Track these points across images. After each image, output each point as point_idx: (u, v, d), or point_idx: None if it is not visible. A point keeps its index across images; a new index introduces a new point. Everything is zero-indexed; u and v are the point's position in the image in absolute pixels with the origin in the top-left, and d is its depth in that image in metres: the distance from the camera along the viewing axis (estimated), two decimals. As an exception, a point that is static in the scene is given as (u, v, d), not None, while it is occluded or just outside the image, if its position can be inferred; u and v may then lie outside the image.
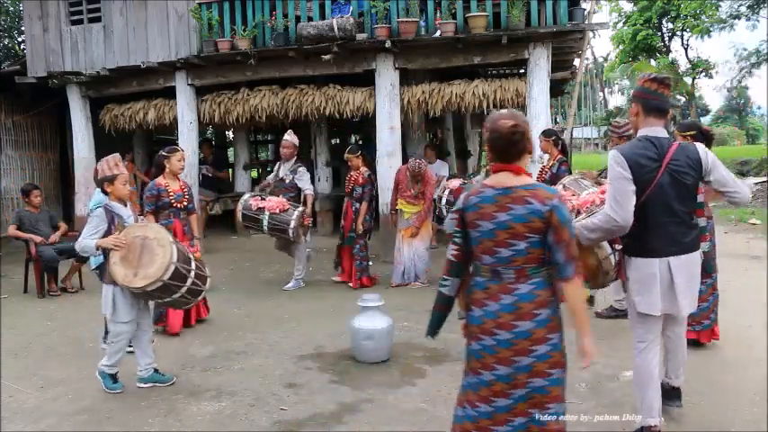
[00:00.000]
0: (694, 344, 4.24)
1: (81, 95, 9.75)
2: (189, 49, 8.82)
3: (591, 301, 5.38)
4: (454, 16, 7.87)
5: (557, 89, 11.72)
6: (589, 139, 41.77)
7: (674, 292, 2.93)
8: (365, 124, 12.01)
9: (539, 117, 7.80)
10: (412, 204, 6.77)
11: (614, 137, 5.07)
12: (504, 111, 2.44)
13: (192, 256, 4.16)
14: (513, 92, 8.04)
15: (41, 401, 3.96)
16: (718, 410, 3.47)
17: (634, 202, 2.86)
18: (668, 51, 23.52)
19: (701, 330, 4.38)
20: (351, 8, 8.32)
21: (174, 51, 8.89)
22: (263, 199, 6.58)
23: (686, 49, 23.43)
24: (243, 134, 11.58)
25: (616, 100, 35.30)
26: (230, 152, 14.82)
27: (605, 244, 3.11)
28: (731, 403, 3.55)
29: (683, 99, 19.96)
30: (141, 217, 5.05)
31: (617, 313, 5.26)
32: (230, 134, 14.72)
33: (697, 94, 27.78)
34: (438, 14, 8.06)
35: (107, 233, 3.88)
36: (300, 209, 6.63)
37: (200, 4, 8.74)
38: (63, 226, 7.41)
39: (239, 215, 6.64)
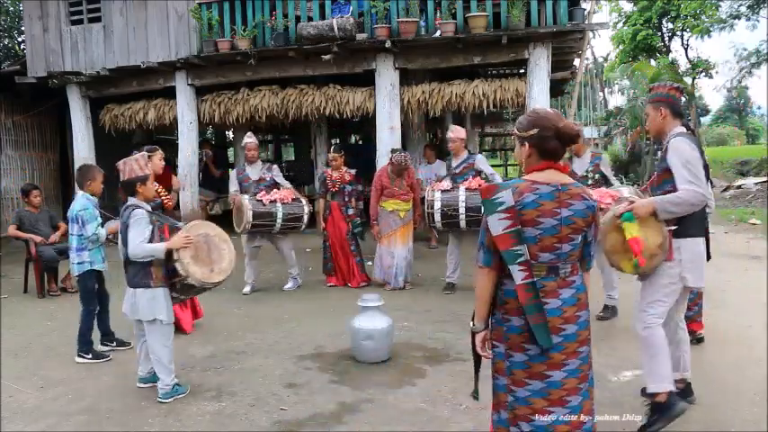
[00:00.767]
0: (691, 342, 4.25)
1: (81, 95, 9.76)
2: (189, 49, 8.82)
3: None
4: (454, 16, 7.87)
5: (557, 89, 11.74)
6: (589, 138, 41.72)
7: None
8: (365, 124, 12.02)
9: (539, 117, 7.79)
10: (406, 201, 6.70)
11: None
12: (549, 110, 2.44)
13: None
14: (513, 92, 8.04)
15: (41, 401, 3.96)
16: (717, 410, 3.47)
17: None
18: (668, 51, 23.52)
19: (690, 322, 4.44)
20: (351, 8, 8.32)
21: (174, 51, 8.90)
22: (268, 193, 6.55)
23: (686, 49, 23.45)
24: (243, 134, 11.57)
25: (616, 100, 35.29)
26: (230, 152, 14.84)
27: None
28: (731, 403, 3.54)
29: (683, 99, 20.00)
30: None
31: (612, 312, 5.35)
32: (230, 134, 14.72)
33: (697, 94, 27.81)
34: (438, 14, 8.06)
35: (151, 236, 3.79)
36: (304, 200, 6.72)
37: (200, 4, 8.74)
38: (63, 226, 7.39)
39: (248, 215, 6.22)
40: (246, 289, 6.73)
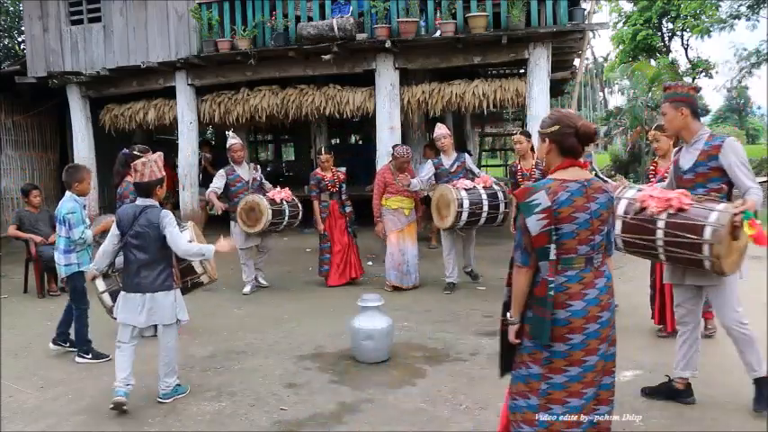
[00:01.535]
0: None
1: (81, 95, 9.76)
2: (189, 49, 8.82)
3: None
4: (454, 16, 7.87)
5: (557, 89, 11.73)
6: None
7: None
8: (365, 124, 12.02)
9: (539, 117, 7.78)
10: (409, 198, 6.72)
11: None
12: (569, 111, 2.64)
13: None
14: (513, 92, 8.05)
15: (41, 401, 3.96)
16: (717, 410, 3.47)
17: None
18: (668, 51, 23.49)
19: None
20: (351, 8, 8.32)
21: (174, 51, 8.90)
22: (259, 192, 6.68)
23: (686, 49, 23.42)
24: (243, 134, 11.55)
25: (616, 100, 35.27)
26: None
27: None
28: (731, 403, 3.54)
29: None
30: None
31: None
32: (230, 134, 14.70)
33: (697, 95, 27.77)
34: (438, 14, 8.06)
35: None
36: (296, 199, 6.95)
37: (200, 4, 8.74)
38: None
39: (269, 214, 6.34)
40: (246, 289, 6.74)
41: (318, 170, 6.98)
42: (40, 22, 9.65)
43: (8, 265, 8.46)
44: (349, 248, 6.98)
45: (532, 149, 6.09)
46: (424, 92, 8.35)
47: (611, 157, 19.53)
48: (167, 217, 3.71)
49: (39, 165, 11.37)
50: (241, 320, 5.73)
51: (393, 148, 6.88)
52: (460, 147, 13.22)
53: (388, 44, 7.83)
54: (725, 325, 3.36)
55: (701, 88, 3.55)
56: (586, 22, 8.35)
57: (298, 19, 8.41)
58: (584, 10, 8.71)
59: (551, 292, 2.41)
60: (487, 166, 16.03)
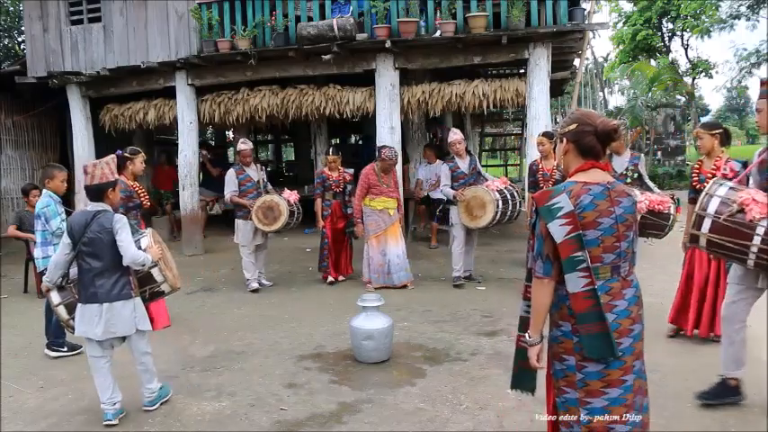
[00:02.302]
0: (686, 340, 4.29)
1: (81, 95, 9.75)
2: (189, 49, 8.82)
3: None
4: (454, 16, 7.87)
5: (557, 89, 11.74)
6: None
7: None
8: (365, 124, 12.01)
9: (539, 117, 7.81)
10: (393, 199, 6.80)
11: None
12: (590, 111, 2.48)
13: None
14: (513, 92, 8.04)
15: (41, 401, 3.97)
16: (717, 410, 3.47)
17: None
18: (668, 51, 23.48)
19: None
20: (351, 8, 8.31)
21: (174, 51, 8.90)
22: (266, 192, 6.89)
23: (686, 49, 23.39)
24: (243, 134, 11.57)
25: (616, 100, 35.26)
26: (230, 152, 14.84)
27: None
28: (731, 403, 3.54)
29: (684, 99, 19.95)
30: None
31: None
32: (230, 134, 14.72)
33: (697, 95, 27.77)
34: (438, 14, 8.05)
35: None
36: None
37: (200, 4, 8.73)
38: (63, 226, 7.41)
39: (287, 214, 6.57)
40: (254, 285, 6.85)
41: (325, 169, 7.06)
42: (40, 22, 9.64)
43: (8, 265, 8.47)
44: (344, 248, 7.18)
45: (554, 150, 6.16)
46: (424, 92, 8.35)
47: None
48: (120, 221, 3.51)
49: (39, 165, 11.35)
50: (241, 320, 5.73)
51: (380, 149, 6.85)
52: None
53: (388, 44, 7.83)
54: None
55: None
56: (586, 22, 8.35)
57: (298, 19, 8.41)
58: (584, 10, 8.70)
59: (600, 300, 2.19)
60: (487, 166, 16.05)
